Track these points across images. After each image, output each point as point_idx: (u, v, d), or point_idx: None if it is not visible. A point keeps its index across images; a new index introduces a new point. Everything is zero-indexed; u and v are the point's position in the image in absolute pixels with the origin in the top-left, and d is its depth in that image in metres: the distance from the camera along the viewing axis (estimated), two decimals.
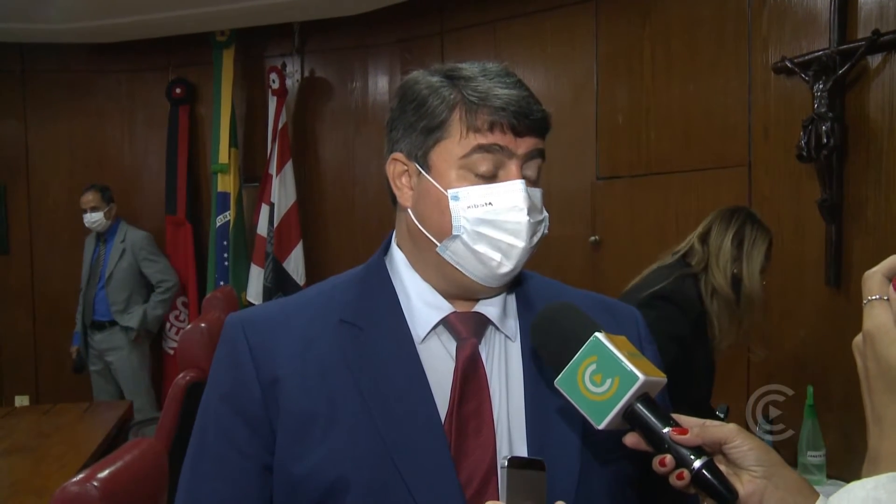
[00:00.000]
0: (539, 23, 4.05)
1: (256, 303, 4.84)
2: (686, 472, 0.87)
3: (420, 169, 1.07)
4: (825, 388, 2.75)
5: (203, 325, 3.20)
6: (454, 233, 1.04)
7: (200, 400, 1.12)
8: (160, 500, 1.68)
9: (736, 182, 3.12)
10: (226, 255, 5.09)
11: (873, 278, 0.75)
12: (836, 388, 2.74)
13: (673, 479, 0.88)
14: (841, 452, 2.69)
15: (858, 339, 0.75)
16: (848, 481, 2.46)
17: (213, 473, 1.06)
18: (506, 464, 0.90)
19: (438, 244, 1.06)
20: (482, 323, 1.09)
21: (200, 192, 5.41)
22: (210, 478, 1.06)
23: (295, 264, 4.91)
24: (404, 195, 1.10)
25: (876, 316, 0.73)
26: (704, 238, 2.50)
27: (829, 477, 2.68)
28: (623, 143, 3.69)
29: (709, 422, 0.90)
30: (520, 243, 1.03)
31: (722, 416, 2.80)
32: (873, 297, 0.74)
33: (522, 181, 1.04)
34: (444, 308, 1.09)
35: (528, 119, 1.03)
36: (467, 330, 1.08)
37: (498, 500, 0.92)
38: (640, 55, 3.58)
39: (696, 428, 0.89)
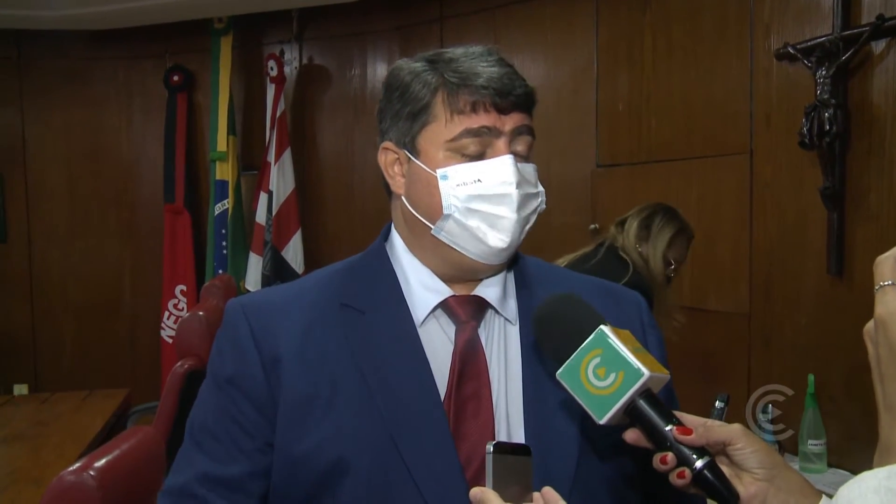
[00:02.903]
0: (539, 9, 4.02)
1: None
2: (687, 472, 0.86)
3: (409, 155, 1.07)
4: (826, 377, 2.74)
5: (201, 313, 3.19)
6: (445, 212, 1.04)
7: (200, 386, 1.12)
8: (157, 488, 1.66)
9: (737, 169, 3.10)
10: (224, 243, 5.07)
11: (885, 264, 0.73)
12: (836, 376, 2.74)
13: (673, 478, 0.87)
14: (842, 441, 2.69)
15: (870, 325, 0.73)
16: (848, 470, 2.47)
17: (216, 449, 1.06)
18: (491, 449, 0.89)
19: (432, 226, 1.06)
20: (481, 306, 1.09)
21: (199, 181, 5.37)
22: (215, 453, 1.06)
23: (294, 252, 4.89)
24: (397, 183, 1.11)
25: (889, 302, 0.71)
26: (621, 223, 2.74)
27: (830, 465, 2.68)
28: (623, 130, 3.66)
29: (712, 422, 0.89)
30: (511, 214, 1.03)
31: (723, 404, 2.79)
32: (886, 283, 0.72)
33: (511, 156, 1.03)
34: (443, 291, 1.09)
35: (511, 95, 1.03)
36: (466, 313, 1.08)
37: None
38: (640, 42, 3.55)
39: (699, 428, 0.88)
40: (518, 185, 1.03)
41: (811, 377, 2.70)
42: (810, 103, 2.67)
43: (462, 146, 1.03)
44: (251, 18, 5.06)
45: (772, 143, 2.98)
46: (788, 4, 2.91)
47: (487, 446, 0.90)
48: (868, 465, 0.71)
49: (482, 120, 1.02)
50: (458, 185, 1.03)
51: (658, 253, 2.65)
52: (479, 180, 1.03)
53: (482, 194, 1.03)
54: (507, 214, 1.03)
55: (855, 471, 2.59)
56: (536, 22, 4.03)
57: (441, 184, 1.03)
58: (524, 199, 1.04)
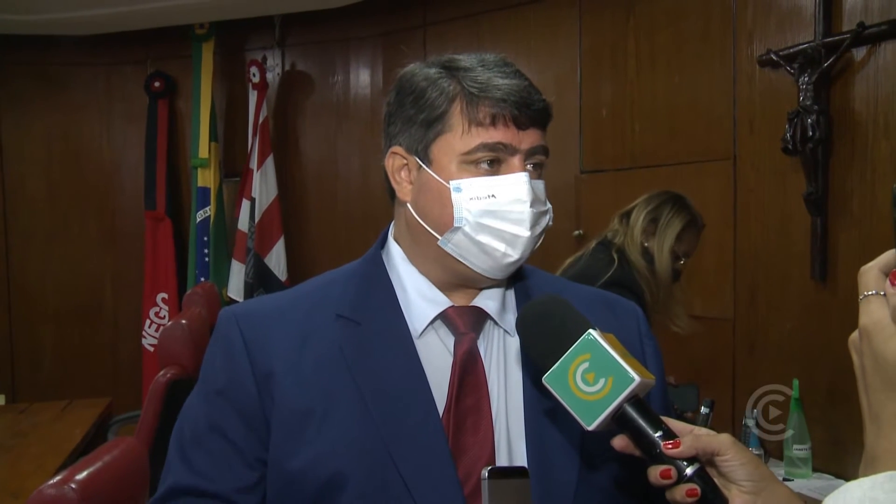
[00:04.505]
0: (522, 15, 4.02)
1: (238, 299, 4.79)
2: (673, 471, 0.85)
3: (420, 163, 1.05)
4: (811, 382, 2.75)
5: (184, 321, 3.15)
6: (456, 224, 1.02)
7: (187, 396, 1.10)
8: (141, 501, 1.64)
9: (721, 175, 3.11)
10: (206, 250, 5.02)
11: (869, 273, 0.72)
12: (821, 381, 2.75)
13: (656, 478, 0.86)
14: (826, 446, 2.69)
15: (854, 336, 0.72)
16: (833, 474, 2.46)
17: (204, 462, 1.03)
18: (486, 475, 0.89)
19: (440, 237, 1.04)
20: (481, 317, 1.08)
21: (180, 187, 5.33)
22: (201, 466, 1.03)
23: (276, 260, 4.86)
24: (403, 189, 1.08)
25: (873, 312, 0.70)
26: (626, 215, 2.64)
27: (815, 470, 2.68)
28: (607, 136, 3.67)
29: (700, 430, 0.89)
30: (524, 232, 1.03)
31: (708, 410, 2.79)
32: (870, 293, 0.71)
33: (526, 173, 1.03)
34: (442, 302, 1.07)
35: (529, 109, 1.02)
36: (465, 324, 1.07)
37: None
38: (624, 48, 3.56)
39: (688, 437, 0.87)
40: (532, 204, 1.03)
41: (796, 382, 2.71)
42: (793, 109, 2.69)
43: (477, 159, 1.02)
44: (233, 24, 5.03)
45: (755, 149, 3.00)
46: (771, 11, 2.93)
47: (483, 472, 0.89)
48: (853, 469, 0.71)
49: (499, 135, 1.02)
50: (471, 199, 1.02)
51: (665, 249, 2.52)
52: (492, 195, 1.02)
53: (495, 210, 1.02)
54: (521, 233, 1.03)
55: (840, 475, 2.60)
56: (520, 28, 4.04)
57: (454, 196, 1.02)
58: (536, 217, 1.04)
